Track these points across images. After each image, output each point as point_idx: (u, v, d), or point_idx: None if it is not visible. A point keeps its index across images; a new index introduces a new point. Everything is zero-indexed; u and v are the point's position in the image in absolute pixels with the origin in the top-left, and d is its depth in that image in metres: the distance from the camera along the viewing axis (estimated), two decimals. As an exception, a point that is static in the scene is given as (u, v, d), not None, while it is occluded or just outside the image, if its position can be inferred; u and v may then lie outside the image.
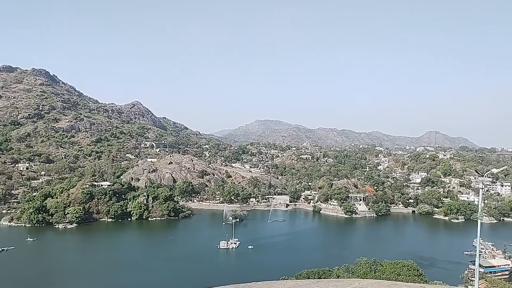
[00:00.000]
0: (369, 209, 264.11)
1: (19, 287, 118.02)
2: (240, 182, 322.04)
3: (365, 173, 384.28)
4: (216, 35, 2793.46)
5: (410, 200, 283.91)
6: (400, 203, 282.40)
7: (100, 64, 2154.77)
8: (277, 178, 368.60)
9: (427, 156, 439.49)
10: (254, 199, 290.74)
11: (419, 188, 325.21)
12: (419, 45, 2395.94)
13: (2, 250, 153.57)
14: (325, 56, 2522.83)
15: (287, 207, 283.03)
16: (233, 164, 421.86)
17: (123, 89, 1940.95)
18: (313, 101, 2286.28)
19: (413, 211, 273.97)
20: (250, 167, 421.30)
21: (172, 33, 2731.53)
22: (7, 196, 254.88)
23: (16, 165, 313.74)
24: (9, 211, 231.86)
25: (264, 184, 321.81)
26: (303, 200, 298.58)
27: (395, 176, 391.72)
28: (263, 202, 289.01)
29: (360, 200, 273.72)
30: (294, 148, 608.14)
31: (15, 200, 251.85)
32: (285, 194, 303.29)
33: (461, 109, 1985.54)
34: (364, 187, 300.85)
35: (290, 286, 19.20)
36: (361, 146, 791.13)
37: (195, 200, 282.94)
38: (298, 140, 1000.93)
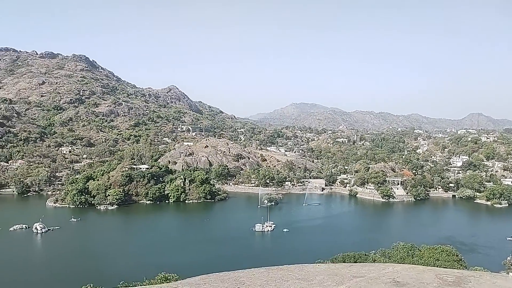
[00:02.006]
0: (407, 193, 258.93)
1: (65, 264, 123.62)
2: (275, 166, 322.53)
3: (403, 156, 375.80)
4: (250, 16, 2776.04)
5: (451, 184, 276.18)
6: (439, 187, 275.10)
7: (137, 49, 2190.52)
8: (313, 161, 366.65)
9: (469, 139, 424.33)
10: (289, 182, 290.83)
11: (460, 172, 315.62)
12: (461, 26, 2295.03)
13: (49, 229, 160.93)
14: (362, 38, 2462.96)
15: (322, 190, 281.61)
16: (268, 148, 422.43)
17: (159, 74, 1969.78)
18: (350, 83, 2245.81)
19: (454, 196, 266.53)
20: (285, 151, 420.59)
21: (209, 20, 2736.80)
22: (52, 178, 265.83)
23: (60, 148, 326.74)
24: (54, 193, 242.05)
25: (299, 167, 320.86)
26: (339, 183, 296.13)
27: (434, 159, 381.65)
28: (298, 185, 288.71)
29: (398, 184, 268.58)
30: (330, 132, 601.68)
31: (59, 182, 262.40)
32: (321, 178, 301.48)
33: (506, 90, 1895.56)
34: (402, 171, 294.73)
35: (323, 269, 19.02)
36: (399, 129, 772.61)
37: (230, 183, 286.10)
38: (334, 123, 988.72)
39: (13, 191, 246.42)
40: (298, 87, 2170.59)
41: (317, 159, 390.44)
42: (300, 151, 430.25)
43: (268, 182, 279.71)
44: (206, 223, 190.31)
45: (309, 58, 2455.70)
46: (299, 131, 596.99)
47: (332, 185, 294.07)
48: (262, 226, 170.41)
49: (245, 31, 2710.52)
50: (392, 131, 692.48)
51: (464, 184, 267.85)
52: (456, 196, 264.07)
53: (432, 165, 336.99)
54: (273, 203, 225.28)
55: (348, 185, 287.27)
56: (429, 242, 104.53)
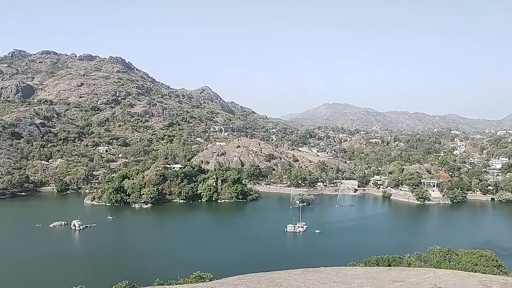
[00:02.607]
0: (443, 195, 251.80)
1: (102, 261, 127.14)
2: (307, 166, 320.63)
3: (439, 158, 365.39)
4: (283, 16, 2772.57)
5: (489, 187, 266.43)
6: (478, 190, 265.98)
7: (171, 51, 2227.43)
8: (345, 162, 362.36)
9: (509, 140, 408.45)
10: (322, 183, 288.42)
11: (500, 174, 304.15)
12: (497, 25, 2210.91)
13: (86, 226, 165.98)
14: (396, 39, 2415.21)
15: (355, 192, 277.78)
16: (300, 148, 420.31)
17: (193, 75, 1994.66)
18: (384, 83, 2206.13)
19: (493, 199, 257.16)
20: (318, 151, 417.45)
21: (242, 20, 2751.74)
22: (89, 177, 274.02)
23: (97, 148, 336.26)
24: (91, 191, 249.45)
25: (332, 168, 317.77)
26: (372, 185, 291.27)
27: (472, 161, 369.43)
28: (330, 186, 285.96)
29: (434, 186, 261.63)
30: (363, 132, 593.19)
31: (96, 181, 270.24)
32: (353, 179, 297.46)
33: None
34: (438, 172, 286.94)
35: (360, 273, 18.78)
36: (435, 129, 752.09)
37: (262, 184, 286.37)
38: (367, 123, 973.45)
39: (53, 189, 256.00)
40: (331, 87, 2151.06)
41: (350, 160, 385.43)
42: (333, 151, 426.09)
43: (300, 182, 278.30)
44: (238, 222, 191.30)
45: (341, 58, 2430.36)
46: (331, 132, 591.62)
47: (365, 187, 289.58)
48: (294, 226, 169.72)
49: (278, 31, 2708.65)
50: (427, 131, 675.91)
51: (504, 187, 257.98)
52: (495, 199, 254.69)
53: (469, 167, 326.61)
54: (305, 203, 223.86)
55: (381, 186, 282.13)
56: (466, 247, 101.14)
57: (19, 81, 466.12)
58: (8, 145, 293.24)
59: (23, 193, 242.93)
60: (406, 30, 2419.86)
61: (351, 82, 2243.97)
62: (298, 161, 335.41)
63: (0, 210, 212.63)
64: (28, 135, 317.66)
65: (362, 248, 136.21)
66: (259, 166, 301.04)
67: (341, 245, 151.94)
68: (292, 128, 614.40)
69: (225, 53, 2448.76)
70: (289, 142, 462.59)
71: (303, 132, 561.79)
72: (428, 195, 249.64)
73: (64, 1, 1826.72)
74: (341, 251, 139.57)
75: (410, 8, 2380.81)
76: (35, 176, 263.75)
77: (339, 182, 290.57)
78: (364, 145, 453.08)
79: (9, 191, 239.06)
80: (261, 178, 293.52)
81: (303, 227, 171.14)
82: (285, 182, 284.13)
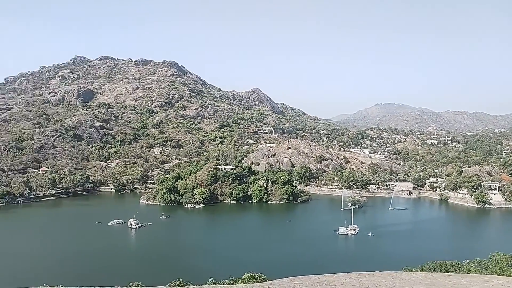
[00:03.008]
0: (505, 199, 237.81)
1: (156, 259, 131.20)
2: (359, 168, 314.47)
3: (501, 159, 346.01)
4: (333, 17, 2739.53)
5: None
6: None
7: (222, 54, 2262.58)
8: (399, 164, 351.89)
9: None
10: (374, 185, 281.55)
11: None
12: None
13: (142, 225, 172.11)
14: (453, 34, 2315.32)
15: (410, 194, 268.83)
16: (351, 150, 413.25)
17: (243, 77, 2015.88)
18: (440, 82, 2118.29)
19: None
20: (370, 153, 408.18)
21: (288, 17, 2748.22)
22: (144, 177, 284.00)
23: (152, 149, 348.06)
24: (146, 191, 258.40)
25: (385, 170, 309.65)
26: (428, 187, 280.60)
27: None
28: (383, 188, 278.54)
29: (495, 189, 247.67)
30: (418, 133, 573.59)
31: (151, 181, 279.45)
32: (408, 181, 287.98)
33: None
34: (500, 175, 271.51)
35: (419, 279, 18.16)
36: (496, 130, 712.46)
37: (313, 185, 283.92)
38: (423, 124, 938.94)
39: (111, 189, 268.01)
40: (383, 87, 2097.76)
41: (404, 161, 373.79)
42: (386, 153, 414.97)
43: (351, 184, 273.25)
44: (289, 224, 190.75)
45: (394, 57, 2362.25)
46: (384, 133, 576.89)
47: (420, 189, 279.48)
48: (346, 229, 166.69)
49: (328, 31, 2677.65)
50: (488, 132, 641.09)
51: None
52: None
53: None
54: (357, 206, 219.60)
55: (438, 189, 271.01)
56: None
57: (80, 86, 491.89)
58: (70, 147, 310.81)
59: (84, 192, 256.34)
60: (467, 23, 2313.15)
61: (404, 81, 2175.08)
62: (350, 162, 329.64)
63: (63, 208, 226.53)
64: (88, 137, 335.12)
65: (417, 253, 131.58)
66: (309, 168, 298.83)
67: (395, 249, 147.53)
68: (343, 129, 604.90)
69: (275, 54, 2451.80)
70: (340, 143, 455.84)
71: (354, 133, 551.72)
72: (489, 198, 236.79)
73: (121, 10, 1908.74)
74: (395, 255, 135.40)
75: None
76: (95, 176, 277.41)
77: (392, 184, 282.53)
78: (419, 146, 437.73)
79: (71, 190, 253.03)
80: (311, 180, 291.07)
81: (355, 229, 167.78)
82: (336, 184, 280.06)
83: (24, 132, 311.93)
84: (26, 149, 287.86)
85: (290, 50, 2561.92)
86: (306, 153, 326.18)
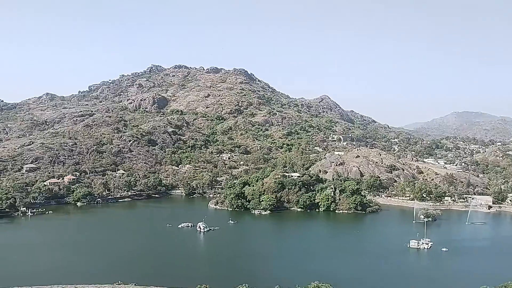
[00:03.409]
0: None
1: (223, 262, 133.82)
2: (433, 179, 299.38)
3: None
4: (404, 22, 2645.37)
5: None
6: None
7: (291, 61, 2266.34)
8: (477, 176, 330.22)
9: None
10: (449, 198, 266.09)
11: None
12: None
13: (210, 229, 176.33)
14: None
15: (489, 209, 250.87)
16: (425, 160, 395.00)
17: (312, 84, 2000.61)
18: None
19: None
20: (445, 163, 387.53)
21: (357, 27, 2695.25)
22: (213, 182, 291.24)
23: (221, 155, 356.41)
24: (214, 196, 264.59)
25: (462, 182, 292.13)
26: (509, 202, 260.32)
27: None
28: (460, 201, 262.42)
29: None
30: (499, 143, 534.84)
31: (220, 186, 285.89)
32: (487, 195, 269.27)
33: None
34: None
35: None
36: None
37: (382, 196, 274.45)
38: (505, 133, 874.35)
39: (182, 192, 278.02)
40: (460, 94, 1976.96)
41: (483, 173, 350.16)
42: (463, 164, 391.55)
43: (424, 196, 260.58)
44: (357, 234, 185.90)
45: (471, 62, 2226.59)
46: (461, 142, 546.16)
47: (501, 203, 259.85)
48: (418, 243, 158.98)
49: (400, 38, 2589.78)
50: None
51: None
52: None
53: None
54: (430, 218, 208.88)
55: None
56: None
57: (155, 93, 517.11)
58: (145, 151, 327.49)
59: (156, 195, 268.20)
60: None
61: (484, 88, 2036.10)
62: (423, 173, 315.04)
63: (138, 209, 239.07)
64: (161, 142, 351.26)
65: (496, 272, 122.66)
66: (379, 177, 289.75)
67: (472, 266, 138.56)
68: (416, 138, 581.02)
69: (344, 60, 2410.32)
70: (413, 152, 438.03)
71: (428, 142, 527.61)
72: None
73: (194, 20, 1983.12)
74: (472, 273, 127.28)
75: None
76: (167, 180, 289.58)
77: (470, 197, 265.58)
78: (501, 158, 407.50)
79: (145, 193, 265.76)
80: (381, 190, 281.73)
81: (428, 243, 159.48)
82: (407, 195, 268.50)
83: (104, 137, 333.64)
84: (105, 152, 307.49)
85: (360, 57, 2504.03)
86: (376, 162, 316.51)
